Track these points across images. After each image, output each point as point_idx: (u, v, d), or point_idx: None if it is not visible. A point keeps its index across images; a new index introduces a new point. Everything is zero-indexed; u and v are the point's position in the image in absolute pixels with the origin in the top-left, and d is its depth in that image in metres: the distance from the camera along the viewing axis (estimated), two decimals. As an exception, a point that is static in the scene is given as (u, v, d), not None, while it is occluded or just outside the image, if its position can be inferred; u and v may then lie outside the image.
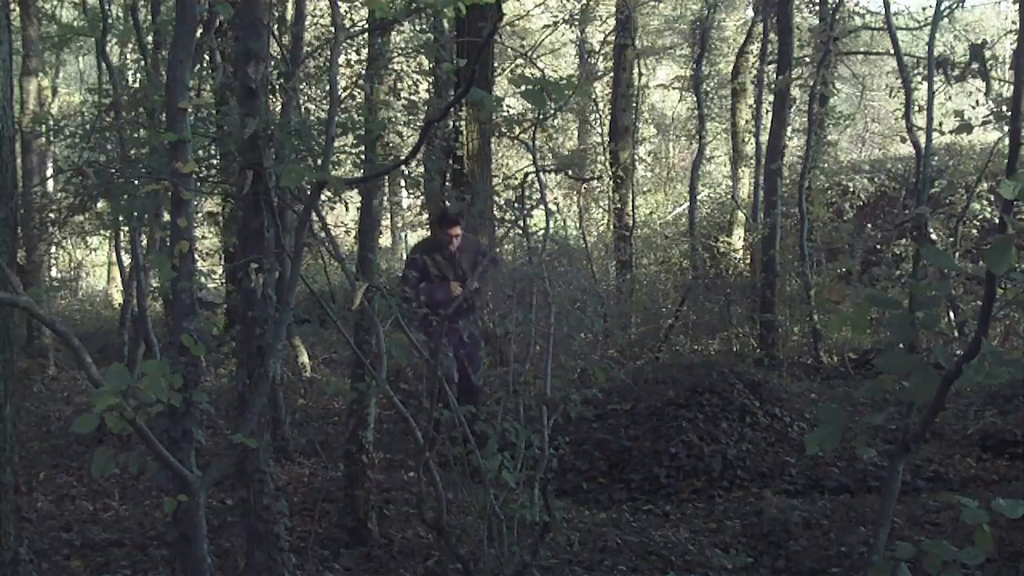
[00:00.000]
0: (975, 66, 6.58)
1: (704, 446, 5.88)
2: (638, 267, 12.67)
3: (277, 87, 5.75)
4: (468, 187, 8.85)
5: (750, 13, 15.25)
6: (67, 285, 18.16)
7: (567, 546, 4.45)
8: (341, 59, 6.40)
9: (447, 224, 6.51)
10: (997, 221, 9.54)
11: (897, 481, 2.48)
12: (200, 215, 8.62)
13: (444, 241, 6.51)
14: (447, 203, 8.23)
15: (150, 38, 7.96)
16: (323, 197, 4.56)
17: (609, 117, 13.84)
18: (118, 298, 13.89)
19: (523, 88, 2.76)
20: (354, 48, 7.41)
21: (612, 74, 14.21)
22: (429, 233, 7.01)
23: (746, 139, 14.10)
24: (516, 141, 7.71)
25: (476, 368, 6.63)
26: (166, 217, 3.99)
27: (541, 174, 4.90)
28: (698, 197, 13.35)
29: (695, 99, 13.73)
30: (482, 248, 6.72)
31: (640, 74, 14.62)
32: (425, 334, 5.94)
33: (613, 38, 14.00)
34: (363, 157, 5.52)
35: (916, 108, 8.28)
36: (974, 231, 10.77)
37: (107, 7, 7.67)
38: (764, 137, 11.25)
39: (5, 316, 3.65)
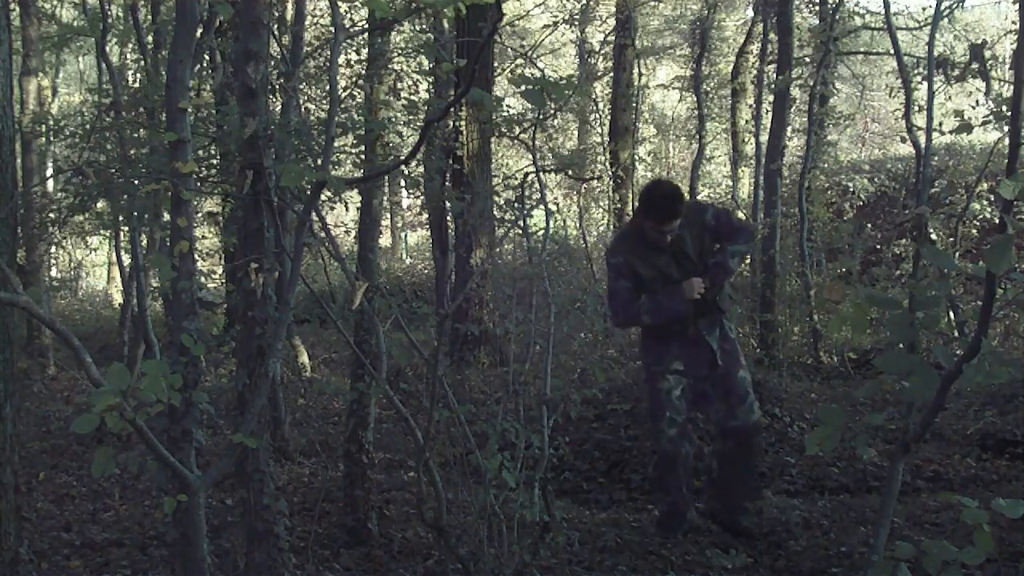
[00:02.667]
0: (975, 66, 6.58)
1: (704, 446, 5.87)
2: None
3: (277, 87, 5.75)
4: (468, 187, 8.85)
5: (750, 13, 15.27)
6: (67, 285, 18.16)
7: (567, 546, 4.45)
8: (341, 59, 6.40)
9: (663, 217, 4.17)
10: (997, 221, 9.55)
11: (897, 481, 2.47)
12: (200, 215, 8.63)
13: (653, 236, 4.26)
14: (447, 201, 8.22)
15: (150, 38, 7.97)
16: (323, 197, 4.57)
17: (609, 117, 13.85)
18: (118, 298, 13.90)
19: (523, 88, 2.75)
20: (354, 48, 7.42)
21: (612, 74, 14.22)
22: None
23: (746, 139, 14.10)
24: (516, 141, 7.71)
25: (743, 395, 4.37)
26: (166, 217, 3.99)
27: (541, 174, 4.91)
28: (698, 197, 13.34)
29: (695, 99, 13.75)
30: (704, 211, 4.40)
31: (640, 74, 14.63)
32: (651, 379, 4.46)
33: (613, 38, 14.01)
34: (363, 157, 5.52)
35: (916, 108, 8.28)
36: (974, 231, 10.77)
37: (107, 7, 7.67)
38: (764, 137, 11.25)
39: (5, 316, 3.65)
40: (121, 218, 6.82)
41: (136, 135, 6.19)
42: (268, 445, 3.74)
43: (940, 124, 7.39)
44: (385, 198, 17.35)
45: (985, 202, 10.58)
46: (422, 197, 10.31)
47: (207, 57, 7.28)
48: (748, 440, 4.38)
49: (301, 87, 7.45)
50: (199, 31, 5.09)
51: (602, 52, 15.95)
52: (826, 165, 12.05)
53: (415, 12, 4.80)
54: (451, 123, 7.76)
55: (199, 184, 5.57)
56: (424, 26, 7.64)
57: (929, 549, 2.07)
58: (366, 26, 5.74)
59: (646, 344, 4.46)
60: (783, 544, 4.48)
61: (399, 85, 6.89)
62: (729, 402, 4.34)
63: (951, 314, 8.13)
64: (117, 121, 6.28)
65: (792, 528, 4.65)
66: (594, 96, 14.86)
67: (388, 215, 20.45)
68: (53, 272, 17.25)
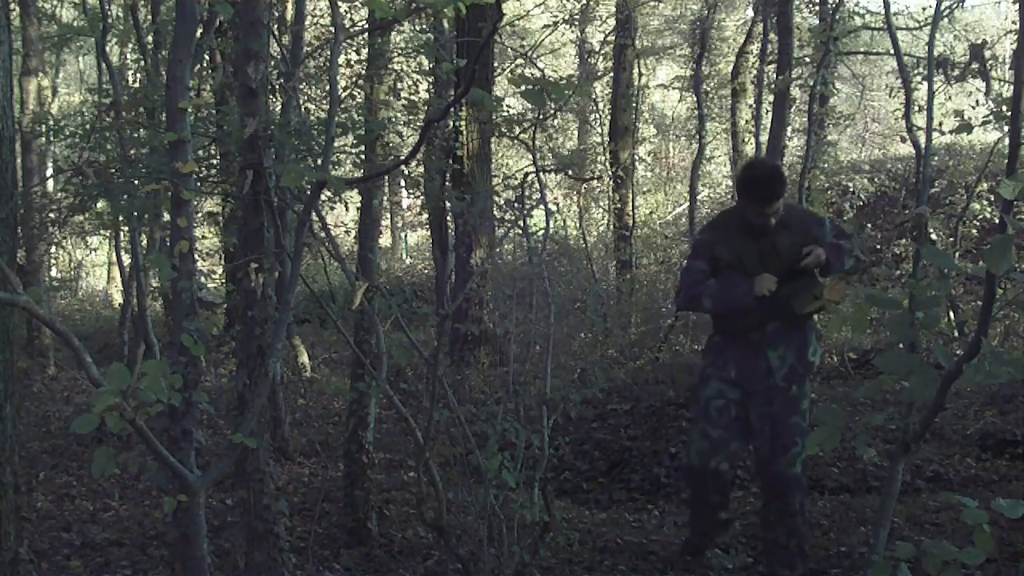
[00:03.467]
0: (975, 66, 6.58)
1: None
2: (638, 267, 12.67)
3: (277, 87, 5.75)
4: (468, 187, 8.86)
5: (750, 13, 15.27)
6: (67, 285, 18.17)
7: (567, 546, 4.45)
8: (341, 59, 6.40)
9: (760, 198, 3.68)
10: (997, 221, 9.55)
11: (897, 481, 2.48)
12: (200, 215, 8.63)
13: (756, 221, 3.73)
14: (447, 201, 8.22)
15: (150, 38, 7.97)
16: (323, 197, 4.57)
17: (609, 117, 13.85)
18: (118, 298, 13.91)
19: (523, 88, 2.75)
20: (354, 48, 7.42)
21: (612, 74, 14.21)
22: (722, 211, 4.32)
23: (746, 139, 14.09)
24: (516, 141, 7.71)
25: (789, 443, 3.77)
26: (166, 217, 4.00)
27: (541, 174, 4.91)
28: (698, 197, 13.34)
29: (695, 99, 13.73)
30: (820, 223, 3.91)
31: (640, 74, 14.62)
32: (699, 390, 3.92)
33: (613, 38, 14.01)
34: (363, 157, 5.53)
35: (916, 108, 8.26)
36: (974, 231, 10.77)
37: (107, 7, 7.67)
38: (764, 137, 11.25)
39: (5, 316, 3.65)
40: (121, 218, 6.82)
41: (136, 135, 6.19)
42: (268, 445, 3.74)
43: (940, 124, 7.39)
44: (385, 198, 17.36)
45: (985, 202, 10.58)
46: (422, 197, 10.32)
47: (207, 57, 7.28)
48: (783, 495, 3.79)
49: (301, 87, 7.45)
50: (199, 31, 5.10)
51: (602, 52, 15.94)
52: (826, 165, 12.04)
53: (415, 12, 4.81)
54: (451, 123, 7.76)
55: (199, 184, 5.58)
56: (424, 26, 7.63)
57: (929, 549, 2.07)
58: (366, 26, 5.74)
59: (709, 342, 3.99)
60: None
61: (399, 85, 6.90)
62: (773, 445, 3.78)
63: (951, 314, 8.13)
64: (117, 121, 6.28)
65: (792, 528, 4.65)
66: (594, 96, 14.87)
67: (388, 215, 20.46)
68: (53, 272, 17.26)
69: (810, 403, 3.88)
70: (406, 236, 21.92)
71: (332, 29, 3.72)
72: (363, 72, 5.98)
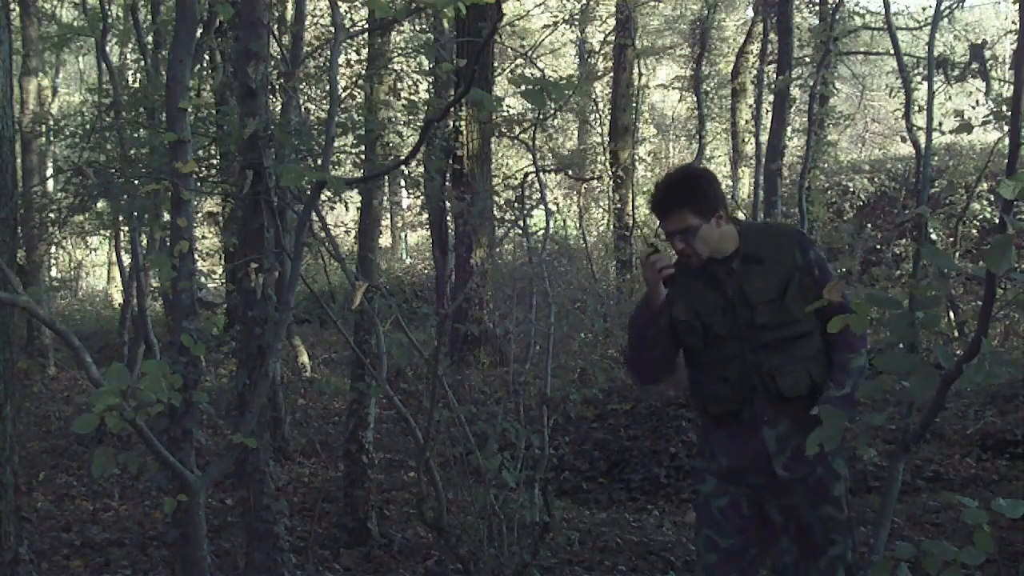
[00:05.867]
0: (975, 66, 6.58)
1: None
2: (638, 267, 12.67)
3: (277, 87, 5.75)
4: (468, 187, 8.86)
5: (750, 13, 15.28)
6: (67, 285, 18.18)
7: (567, 546, 4.45)
8: (341, 59, 6.40)
9: (657, 210, 2.68)
10: (997, 221, 9.55)
11: (897, 481, 2.47)
12: (200, 215, 8.63)
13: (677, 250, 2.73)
14: (447, 201, 8.23)
15: (150, 38, 7.97)
16: (323, 197, 4.57)
17: (609, 117, 13.86)
18: (118, 298, 13.91)
19: (523, 88, 2.75)
20: (354, 48, 7.42)
21: (612, 74, 14.23)
22: None
23: (746, 139, 14.12)
24: (516, 141, 7.71)
25: (821, 543, 2.68)
26: (166, 217, 4.00)
27: (541, 174, 4.92)
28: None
29: (695, 99, 13.74)
30: (803, 246, 2.69)
31: (640, 74, 14.64)
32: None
33: (613, 38, 14.02)
34: (363, 157, 5.53)
35: (916, 108, 8.26)
36: (974, 231, 10.78)
37: (107, 7, 7.68)
38: (764, 137, 11.26)
39: (5, 316, 3.65)
40: (121, 218, 6.83)
41: (136, 135, 6.20)
42: (268, 445, 3.74)
43: (940, 124, 7.39)
44: (385, 198, 17.35)
45: (985, 202, 10.59)
46: (422, 197, 10.32)
47: (207, 57, 7.28)
48: None
49: (301, 87, 7.45)
50: (199, 31, 5.10)
51: (602, 52, 15.95)
52: (826, 165, 12.05)
53: (415, 12, 4.81)
54: (451, 123, 7.76)
55: (199, 184, 5.58)
56: (424, 26, 7.64)
57: (929, 549, 2.06)
58: (366, 26, 5.74)
59: (699, 423, 2.97)
60: (783, 544, 4.49)
61: (399, 85, 6.90)
62: (802, 547, 2.70)
63: (951, 314, 8.13)
64: (117, 121, 6.28)
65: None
66: (594, 96, 14.87)
67: (388, 215, 20.46)
68: (53, 272, 17.27)
69: (847, 485, 2.81)
70: (406, 236, 21.92)
71: (332, 29, 3.72)
72: (363, 72, 5.99)
